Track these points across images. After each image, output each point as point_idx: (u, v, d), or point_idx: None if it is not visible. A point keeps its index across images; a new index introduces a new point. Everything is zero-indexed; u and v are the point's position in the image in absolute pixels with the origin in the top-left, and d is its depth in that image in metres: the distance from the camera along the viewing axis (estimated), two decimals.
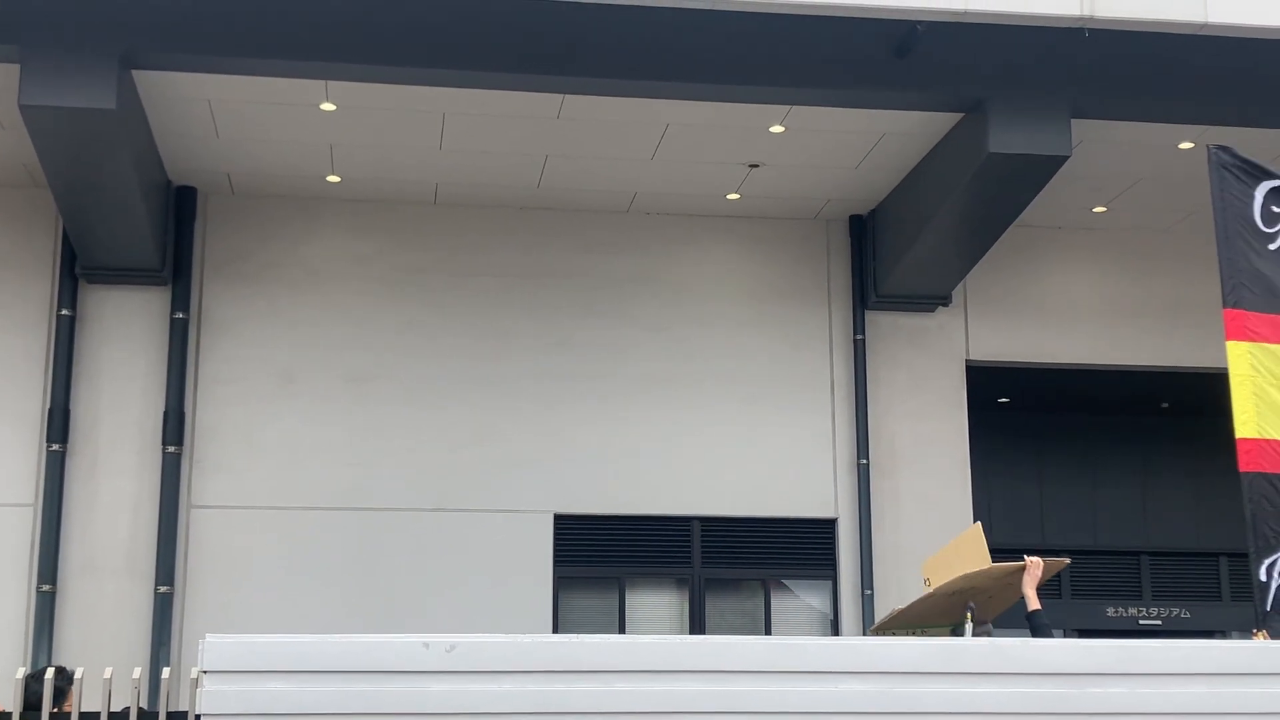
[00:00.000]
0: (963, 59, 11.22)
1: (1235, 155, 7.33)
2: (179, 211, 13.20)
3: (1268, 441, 6.78)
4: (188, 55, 10.86)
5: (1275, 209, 7.17)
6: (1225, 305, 7.01)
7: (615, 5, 10.30)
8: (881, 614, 13.22)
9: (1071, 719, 4.65)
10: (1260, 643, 5.66)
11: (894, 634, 6.93)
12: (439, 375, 13.43)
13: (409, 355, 13.44)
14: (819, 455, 13.78)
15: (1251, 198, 7.16)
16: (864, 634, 6.99)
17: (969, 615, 6.85)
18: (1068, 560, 7.35)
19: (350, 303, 13.49)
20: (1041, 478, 16.81)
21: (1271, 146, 12.37)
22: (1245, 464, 6.79)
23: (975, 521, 7.33)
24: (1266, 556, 6.67)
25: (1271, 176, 7.25)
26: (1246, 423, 6.79)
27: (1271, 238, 7.10)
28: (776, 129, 12.15)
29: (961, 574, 6.78)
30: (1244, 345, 6.90)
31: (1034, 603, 7.54)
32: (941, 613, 6.94)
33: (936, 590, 6.89)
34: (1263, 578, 6.66)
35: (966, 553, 7.04)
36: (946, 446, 13.93)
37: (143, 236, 12.46)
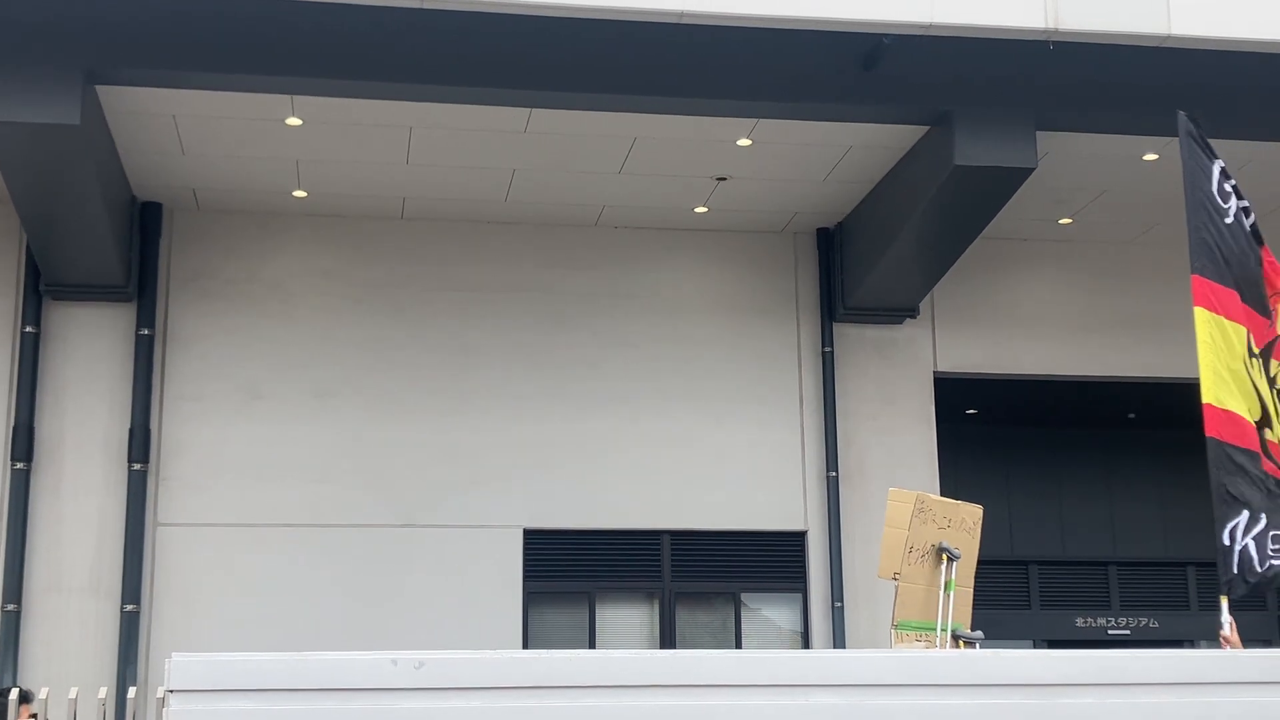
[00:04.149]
0: (928, 72, 11.25)
1: (1199, 125, 7.32)
2: (144, 227, 13.13)
3: (1225, 411, 6.74)
4: (152, 70, 10.81)
5: (1227, 187, 7.19)
6: (1192, 270, 6.96)
7: (581, 19, 10.30)
8: (852, 626, 13.22)
9: None
10: (1228, 652, 5.66)
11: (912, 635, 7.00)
12: (407, 390, 13.39)
13: (376, 370, 13.39)
14: (788, 468, 13.78)
15: (1211, 171, 7.17)
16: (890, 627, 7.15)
17: (945, 556, 6.97)
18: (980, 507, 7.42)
19: (317, 318, 13.44)
20: (1010, 488, 16.87)
21: (1233, 157, 12.45)
22: (1210, 429, 6.75)
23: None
24: (1229, 520, 6.64)
25: (1217, 157, 7.28)
26: (1209, 389, 6.76)
27: (1225, 213, 7.11)
28: (744, 142, 12.17)
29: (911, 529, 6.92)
30: (1206, 313, 6.86)
31: None
32: (929, 578, 6.99)
33: (911, 551, 6.97)
34: (1225, 541, 6.63)
35: (896, 520, 7.13)
36: (915, 458, 13.95)
37: (107, 253, 12.39)
